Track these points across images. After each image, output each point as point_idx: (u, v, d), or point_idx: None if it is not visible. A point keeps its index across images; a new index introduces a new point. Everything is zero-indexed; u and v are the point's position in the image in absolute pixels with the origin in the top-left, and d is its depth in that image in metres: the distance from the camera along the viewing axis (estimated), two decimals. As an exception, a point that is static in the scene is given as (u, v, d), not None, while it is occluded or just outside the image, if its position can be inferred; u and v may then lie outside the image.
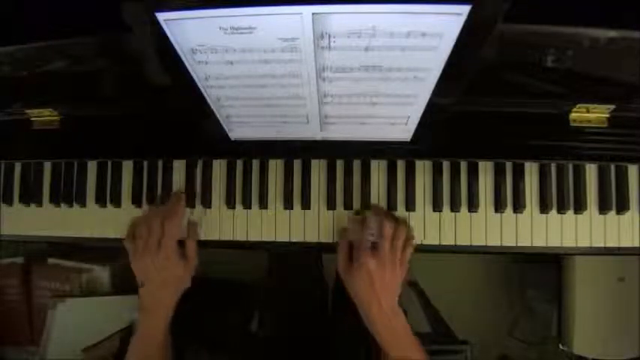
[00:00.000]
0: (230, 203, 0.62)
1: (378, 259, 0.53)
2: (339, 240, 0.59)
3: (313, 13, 0.34)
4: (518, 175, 0.60)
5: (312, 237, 0.61)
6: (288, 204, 0.62)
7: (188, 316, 0.60)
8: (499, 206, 0.60)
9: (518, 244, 0.60)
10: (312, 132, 0.53)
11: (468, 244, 0.60)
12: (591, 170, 0.60)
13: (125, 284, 0.85)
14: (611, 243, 0.59)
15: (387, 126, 0.51)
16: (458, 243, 0.60)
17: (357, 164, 0.62)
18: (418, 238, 0.60)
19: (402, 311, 0.55)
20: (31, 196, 0.66)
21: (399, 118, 0.49)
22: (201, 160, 0.63)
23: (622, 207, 0.59)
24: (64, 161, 0.66)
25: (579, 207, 0.59)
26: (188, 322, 0.60)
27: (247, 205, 0.62)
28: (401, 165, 0.61)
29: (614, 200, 0.59)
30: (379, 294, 0.53)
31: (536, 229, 0.60)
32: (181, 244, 0.59)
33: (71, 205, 0.65)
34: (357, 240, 0.55)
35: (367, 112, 0.48)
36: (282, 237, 0.62)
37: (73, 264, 0.84)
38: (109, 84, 0.57)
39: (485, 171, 0.61)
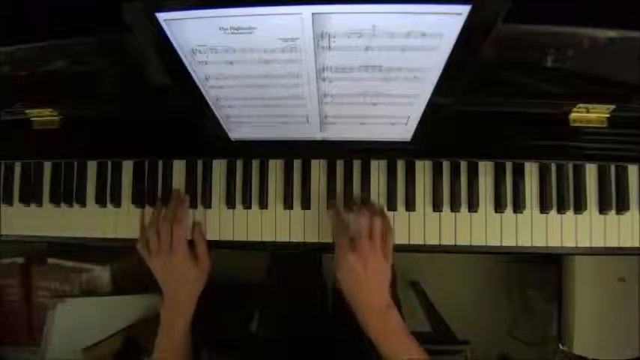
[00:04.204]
0: (230, 203, 0.62)
1: (357, 254, 0.51)
2: (334, 240, 0.58)
3: (313, 13, 0.34)
4: (518, 175, 0.60)
5: (312, 237, 0.61)
6: (288, 204, 0.62)
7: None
8: (499, 206, 0.60)
9: (518, 244, 0.60)
10: (312, 132, 0.53)
11: (468, 244, 0.60)
12: (591, 170, 0.60)
13: (125, 284, 0.85)
14: (611, 243, 0.59)
15: (387, 126, 0.51)
16: (458, 243, 0.60)
17: (357, 164, 0.62)
18: (418, 238, 0.60)
19: (397, 309, 0.54)
20: (31, 196, 0.66)
21: (399, 118, 0.49)
22: (201, 160, 0.63)
23: (622, 207, 0.59)
24: (64, 161, 0.66)
25: (579, 207, 0.59)
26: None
27: (247, 205, 0.62)
28: (401, 165, 0.61)
29: (614, 200, 0.59)
30: (366, 288, 0.52)
31: (536, 229, 0.60)
32: (192, 244, 0.60)
33: (71, 205, 0.65)
34: (338, 239, 0.55)
35: (367, 112, 0.48)
36: (282, 237, 0.62)
37: (73, 264, 0.84)
38: (109, 84, 0.57)
39: (485, 171, 0.61)
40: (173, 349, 0.58)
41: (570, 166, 0.60)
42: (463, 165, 0.61)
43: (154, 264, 0.58)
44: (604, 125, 0.58)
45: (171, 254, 0.57)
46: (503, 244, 0.60)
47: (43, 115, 0.63)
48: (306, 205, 0.61)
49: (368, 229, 0.53)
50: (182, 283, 0.58)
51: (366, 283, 0.52)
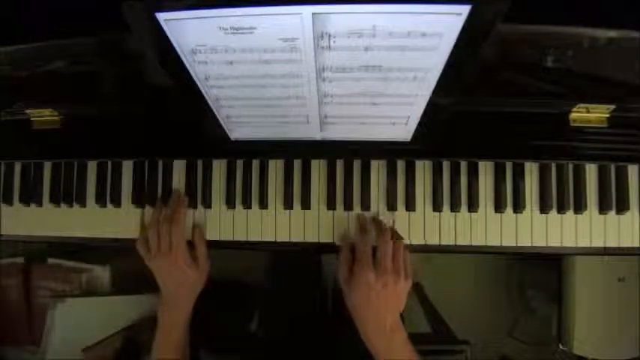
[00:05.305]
0: (230, 203, 0.62)
1: (378, 273, 0.51)
2: (341, 248, 0.57)
3: (313, 13, 0.34)
4: (518, 175, 0.60)
5: (312, 237, 0.61)
6: (288, 204, 0.62)
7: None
8: (499, 206, 0.60)
9: (518, 244, 0.60)
10: (312, 132, 0.53)
11: (468, 244, 0.60)
12: (591, 170, 0.60)
13: (125, 284, 0.85)
14: (611, 243, 0.59)
15: (387, 126, 0.51)
16: (458, 243, 0.60)
17: (357, 164, 0.62)
18: (418, 238, 0.60)
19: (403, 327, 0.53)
20: (31, 196, 0.66)
21: (399, 118, 0.49)
22: (201, 160, 0.63)
23: (622, 207, 0.59)
24: (64, 161, 0.66)
25: (579, 207, 0.59)
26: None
27: (247, 205, 0.62)
28: (401, 165, 0.61)
29: (614, 200, 0.59)
30: (378, 310, 0.52)
31: (536, 229, 0.59)
32: (192, 245, 0.60)
33: (71, 205, 0.65)
34: (359, 252, 0.54)
35: (367, 112, 0.48)
36: (282, 237, 0.62)
37: (73, 264, 0.84)
38: (109, 84, 0.57)
39: (485, 171, 0.61)
40: (171, 350, 0.58)
41: (570, 166, 0.60)
42: (463, 165, 0.61)
43: (153, 264, 0.58)
44: (604, 125, 0.58)
45: (171, 255, 0.57)
46: (504, 244, 0.60)
47: (43, 115, 0.63)
48: (306, 205, 0.61)
49: (391, 250, 0.53)
50: (181, 283, 0.58)
51: (378, 304, 0.51)
